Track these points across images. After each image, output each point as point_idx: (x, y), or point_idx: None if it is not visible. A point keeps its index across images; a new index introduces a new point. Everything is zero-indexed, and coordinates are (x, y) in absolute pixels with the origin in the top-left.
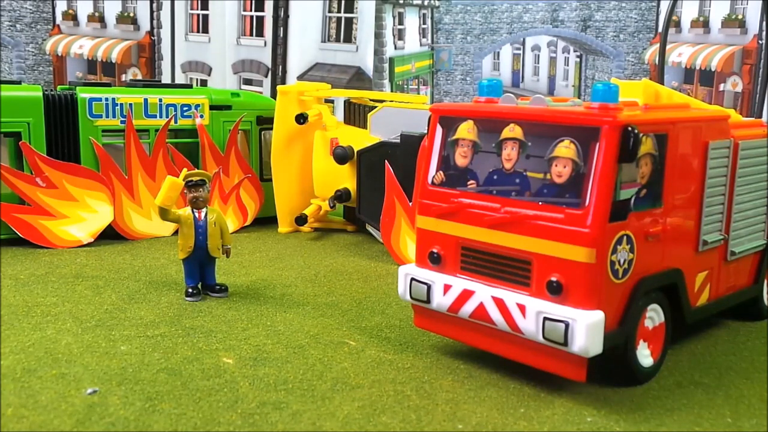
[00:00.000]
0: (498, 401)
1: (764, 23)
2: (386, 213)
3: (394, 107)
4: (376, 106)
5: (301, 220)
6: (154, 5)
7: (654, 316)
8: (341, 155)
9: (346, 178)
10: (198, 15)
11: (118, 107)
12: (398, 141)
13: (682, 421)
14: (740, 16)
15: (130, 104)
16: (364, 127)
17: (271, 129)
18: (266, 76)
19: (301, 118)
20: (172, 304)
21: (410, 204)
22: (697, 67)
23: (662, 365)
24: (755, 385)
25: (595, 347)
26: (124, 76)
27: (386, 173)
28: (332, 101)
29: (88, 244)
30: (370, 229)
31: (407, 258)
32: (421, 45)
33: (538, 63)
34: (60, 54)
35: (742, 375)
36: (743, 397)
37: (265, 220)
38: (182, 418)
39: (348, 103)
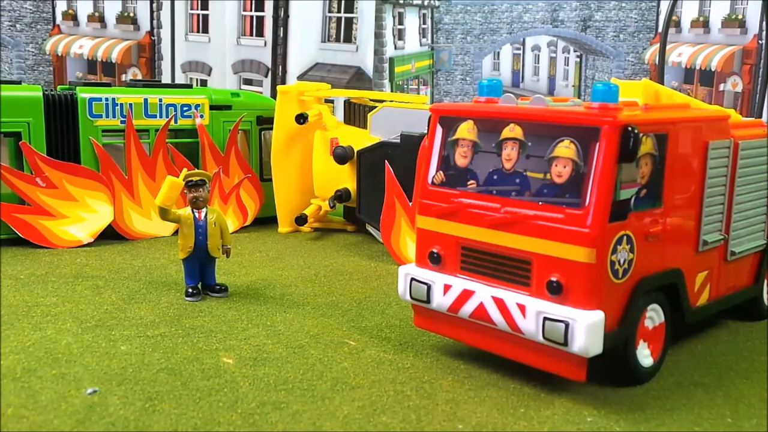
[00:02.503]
0: (498, 401)
1: (764, 23)
2: (386, 213)
3: (394, 107)
4: (376, 106)
5: (301, 220)
6: (154, 5)
7: (654, 316)
8: (341, 155)
9: (346, 178)
10: (198, 15)
11: (118, 107)
12: (398, 141)
13: (682, 421)
14: (740, 16)
15: (130, 104)
16: (364, 127)
17: (271, 129)
18: (266, 76)
19: (301, 118)
20: (172, 304)
21: (410, 204)
22: (697, 67)
23: (662, 365)
24: (755, 385)
25: (595, 347)
26: (124, 76)
27: (386, 173)
28: (332, 101)
29: (88, 244)
30: (370, 229)
31: (407, 258)
32: (421, 45)
33: (538, 63)
34: (60, 54)
35: (742, 375)
36: (743, 397)
37: (265, 220)
38: (182, 418)
39: (348, 103)
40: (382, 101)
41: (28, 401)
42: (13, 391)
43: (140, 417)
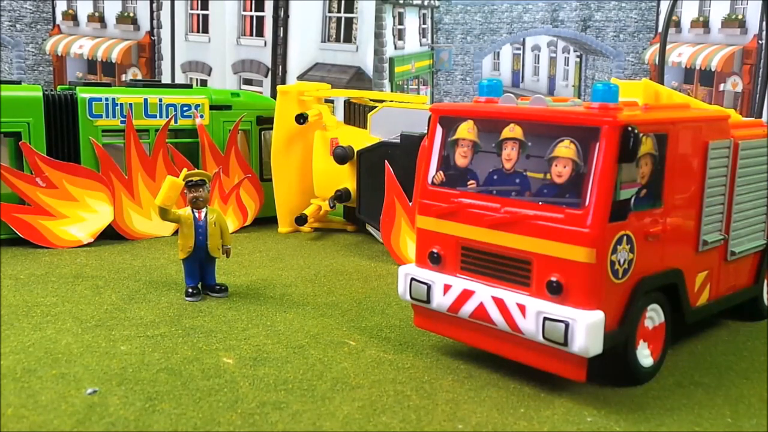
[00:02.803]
0: (498, 401)
1: (764, 23)
2: (386, 213)
3: (394, 107)
4: (376, 106)
5: (301, 220)
6: (154, 5)
7: (654, 316)
8: (341, 155)
9: (346, 178)
10: (198, 15)
11: (118, 107)
12: (398, 141)
13: (682, 421)
14: (740, 16)
15: (130, 104)
16: (364, 127)
17: (271, 129)
18: (266, 76)
19: (301, 118)
20: (172, 304)
21: (410, 204)
22: (697, 67)
23: (662, 365)
24: (755, 385)
25: (595, 347)
26: (124, 76)
27: (386, 173)
28: (332, 101)
29: (88, 244)
30: (370, 229)
31: (407, 258)
32: (421, 45)
33: (538, 63)
34: (60, 54)
35: (742, 375)
36: (743, 397)
37: (265, 220)
38: (182, 418)
39: (348, 103)
40: (382, 101)
41: (28, 401)
42: (13, 391)
43: (140, 417)
